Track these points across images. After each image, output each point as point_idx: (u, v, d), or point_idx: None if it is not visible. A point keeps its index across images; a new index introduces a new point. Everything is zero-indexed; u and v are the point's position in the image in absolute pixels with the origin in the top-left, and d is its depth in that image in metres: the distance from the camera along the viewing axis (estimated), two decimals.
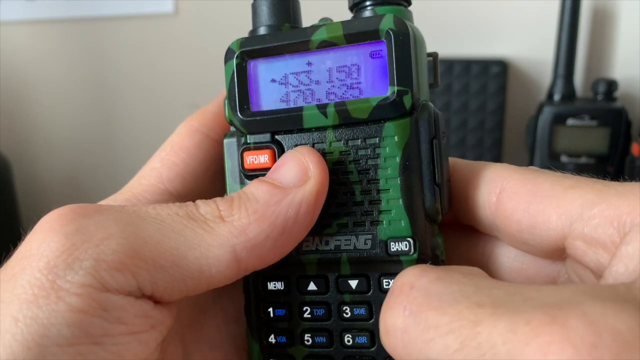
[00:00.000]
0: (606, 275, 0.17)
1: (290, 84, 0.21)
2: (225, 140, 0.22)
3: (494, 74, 0.69)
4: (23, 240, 0.19)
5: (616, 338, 0.13)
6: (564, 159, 0.66)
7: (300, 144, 0.21)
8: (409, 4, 0.22)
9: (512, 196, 0.20)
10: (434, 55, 0.22)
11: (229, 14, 0.81)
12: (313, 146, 0.21)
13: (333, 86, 0.21)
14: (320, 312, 0.22)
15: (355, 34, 0.20)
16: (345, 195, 0.21)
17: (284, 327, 0.22)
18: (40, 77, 0.90)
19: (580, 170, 0.65)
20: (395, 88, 0.20)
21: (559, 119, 0.65)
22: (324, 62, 0.21)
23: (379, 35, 0.20)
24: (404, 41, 0.20)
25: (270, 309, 0.22)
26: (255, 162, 0.21)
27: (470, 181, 0.21)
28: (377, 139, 0.20)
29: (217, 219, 0.19)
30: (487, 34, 0.73)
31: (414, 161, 0.20)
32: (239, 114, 0.21)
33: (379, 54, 0.20)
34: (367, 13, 0.21)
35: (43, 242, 0.18)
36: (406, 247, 0.20)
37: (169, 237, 0.19)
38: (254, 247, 0.19)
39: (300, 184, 0.20)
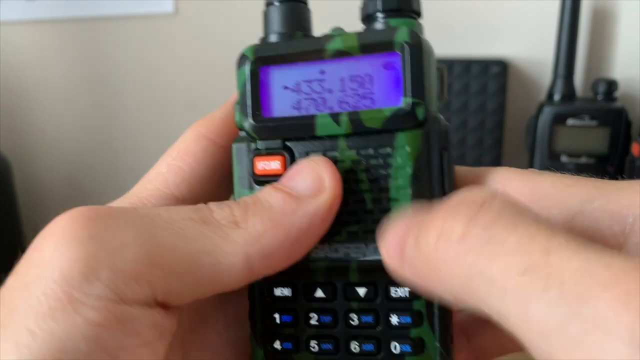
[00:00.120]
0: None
1: (303, 92, 0.21)
2: (234, 145, 0.22)
3: (494, 74, 0.69)
4: (31, 243, 0.18)
5: None
6: (564, 159, 0.66)
7: (312, 151, 0.21)
8: (420, 16, 0.22)
9: (514, 196, 0.20)
10: (441, 67, 0.22)
11: (229, 14, 0.81)
12: (324, 154, 0.21)
13: (346, 95, 0.21)
14: (327, 319, 0.22)
15: (370, 45, 0.21)
16: (355, 203, 0.21)
17: (290, 334, 0.22)
18: (40, 77, 0.90)
19: (580, 170, 0.65)
20: (410, 100, 0.20)
21: (559, 119, 0.65)
22: (337, 71, 0.21)
23: (394, 47, 0.20)
24: (419, 54, 0.20)
25: (277, 315, 0.22)
26: (267, 168, 0.21)
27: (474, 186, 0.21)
28: (389, 148, 0.21)
29: (231, 224, 0.19)
30: (487, 34, 0.73)
31: (425, 172, 0.20)
32: (251, 120, 0.22)
33: (392, 65, 0.21)
34: (379, 25, 0.22)
35: (56, 250, 0.17)
36: None
37: (184, 243, 0.18)
38: (267, 255, 0.19)
39: (314, 194, 0.20)
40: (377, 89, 0.21)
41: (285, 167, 0.21)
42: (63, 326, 0.16)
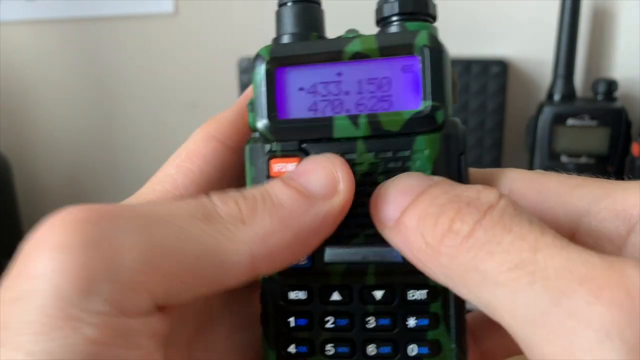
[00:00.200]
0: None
1: (319, 93, 0.21)
2: (248, 146, 0.22)
3: (494, 74, 0.69)
4: (22, 247, 0.17)
5: None
6: (564, 159, 0.66)
7: None
8: (435, 20, 0.22)
9: (520, 197, 0.20)
10: (454, 72, 0.22)
11: (229, 14, 0.81)
12: (342, 156, 0.21)
13: (363, 97, 0.21)
14: (344, 322, 0.22)
15: (389, 47, 0.21)
16: None
17: (305, 337, 0.22)
18: (40, 77, 0.90)
19: (580, 170, 0.65)
20: (430, 103, 0.20)
21: (559, 119, 0.65)
22: (355, 74, 0.21)
23: (413, 51, 0.20)
24: (439, 58, 0.20)
25: (292, 319, 0.22)
26: (283, 170, 0.21)
27: None
28: (408, 152, 0.20)
29: (237, 221, 0.18)
30: (487, 34, 0.73)
31: (443, 175, 0.20)
32: (266, 121, 0.21)
33: (411, 68, 0.21)
34: (394, 28, 0.22)
35: (49, 260, 0.16)
36: None
37: (186, 244, 0.17)
38: (272, 255, 0.19)
39: (327, 196, 0.19)
40: (395, 92, 0.21)
41: None
42: (60, 345, 0.15)
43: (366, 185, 0.21)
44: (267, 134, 0.21)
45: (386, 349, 0.21)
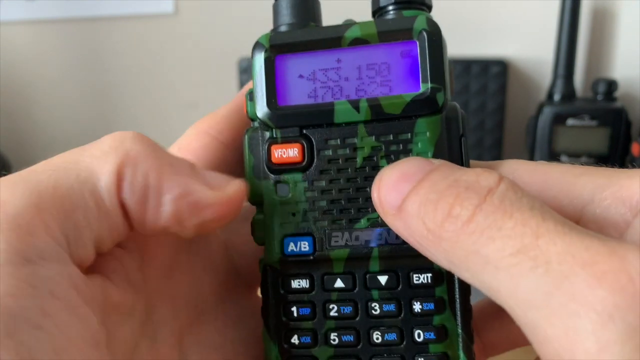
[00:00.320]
0: None
1: (319, 80, 0.21)
2: (246, 135, 0.22)
3: (494, 74, 0.69)
4: None
5: None
6: (564, 159, 0.66)
7: (330, 139, 0.21)
8: (430, 10, 0.22)
9: (523, 187, 0.20)
10: (450, 61, 0.22)
11: (229, 14, 0.81)
12: (344, 141, 0.21)
13: (362, 83, 0.21)
14: (348, 309, 0.21)
15: (388, 32, 0.21)
16: None
17: (308, 327, 0.22)
18: (40, 77, 0.90)
19: None
20: (429, 85, 0.20)
21: (559, 119, 0.65)
22: (354, 59, 0.21)
23: (412, 35, 0.21)
24: (437, 41, 0.20)
25: (294, 308, 0.22)
26: (284, 156, 0.21)
27: None
28: (409, 134, 0.21)
29: (103, 147, 0.19)
30: (487, 34, 0.73)
31: (444, 158, 0.20)
32: (266, 108, 0.21)
33: (409, 53, 0.21)
34: (391, 17, 0.22)
35: None
36: None
37: (62, 180, 0.18)
38: (139, 184, 0.19)
39: (215, 187, 0.20)
40: (394, 77, 0.21)
41: (304, 154, 0.21)
42: None
43: (369, 169, 0.21)
44: (268, 121, 0.21)
45: (392, 336, 0.21)
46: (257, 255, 0.23)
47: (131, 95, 0.88)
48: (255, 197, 0.22)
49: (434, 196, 0.17)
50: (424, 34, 0.20)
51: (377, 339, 0.21)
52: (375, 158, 0.21)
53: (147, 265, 0.21)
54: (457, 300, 0.21)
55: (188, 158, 0.22)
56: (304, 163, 0.21)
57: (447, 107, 0.21)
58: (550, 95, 0.68)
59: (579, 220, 0.19)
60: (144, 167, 0.19)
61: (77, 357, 0.16)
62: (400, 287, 0.21)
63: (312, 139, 0.21)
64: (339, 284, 0.21)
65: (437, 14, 0.22)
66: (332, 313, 0.21)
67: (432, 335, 0.21)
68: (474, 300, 0.21)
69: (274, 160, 0.21)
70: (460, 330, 0.21)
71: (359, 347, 0.21)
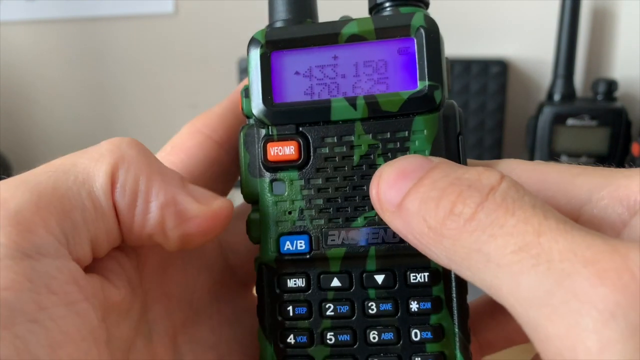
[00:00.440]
0: None
1: (315, 77, 0.21)
2: (242, 133, 0.22)
3: (494, 74, 0.69)
4: None
5: None
6: (564, 159, 0.66)
7: (327, 137, 0.21)
8: (427, 6, 0.22)
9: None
10: (447, 58, 0.22)
11: (229, 14, 0.81)
12: (340, 138, 0.21)
13: (359, 80, 0.21)
14: (344, 309, 0.21)
15: (386, 29, 0.21)
16: None
17: (304, 327, 0.22)
18: (40, 77, 0.90)
19: None
20: (427, 83, 0.20)
21: (559, 119, 0.65)
22: (351, 56, 0.21)
23: (410, 32, 0.20)
24: (435, 38, 0.20)
25: (290, 307, 0.22)
26: (280, 154, 0.21)
27: None
28: (407, 132, 0.21)
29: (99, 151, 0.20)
30: (487, 34, 0.73)
31: (442, 156, 0.20)
32: (262, 105, 0.21)
33: (407, 50, 0.21)
34: (387, 14, 0.22)
35: None
36: None
37: (61, 181, 0.18)
38: (131, 180, 0.19)
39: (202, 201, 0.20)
40: (391, 74, 0.21)
41: (300, 152, 0.21)
42: None
43: (366, 167, 0.21)
44: (263, 118, 0.21)
45: (388, 335, 0.21)
46: (252, 254, 0.23)
47: (131, 95, 0.88)
48: (251, 195, 0.22)
49: (435, 194, 0.17)
50: (422, 31, 0.20)
51: (374, 338, 0.21)
52: (372, 156, 0.21)
53: (143, 265, 0.21)
54: (454, 299, 0.21)
55: (181, 156, 0.23)
56: (300, 161, 0.21)
57: (444, 105, 0.21)
58: (550, 95, 0.68)
59: (576, 220, 0.19)
60: (136, 171, 0.19)
61: (73, 352, 0.16)
62: (397, 286, 0.21)
63: (309, 137, 0.21)
64: (335, 283, 0.21)
65: (437, 14, 0.22)
66: (329, 312, 0.21)
67: (429, 335, 0.21)
68: (469, 299, 0.21)
69: (269, 158, 0.21)
70: (457, 330, 0.21)
71: (355, 346, 0.21)
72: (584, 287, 0.14)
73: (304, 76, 0.21)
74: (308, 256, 0.21)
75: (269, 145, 0.21)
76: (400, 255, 0.21)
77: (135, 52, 0.86)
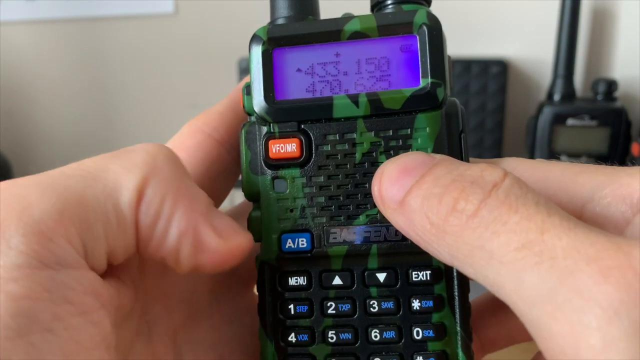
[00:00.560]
0: None
1: (317, 74, 0.21)
2: (243, 130, 0.22)
3: (494, 74, 0.69)
4: None
5: None
6: (563, 159, 0.66)
7: (329, 134, 0.21)
8: (429, 4, 0.22)
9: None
10: (449, 55, 0.22)
11: (229, 14, 0.81)
12: (343, 136, 0.21)
13: (361, 77, 0.21)
14: (346, 307, 0.21)
15: (388, 26, 0.20)
16: None
17: (305, 325, 0.21)
18: (40, 77, 0.90)
19: None
20: (429, 80, 0.20)
21: (559, 119, 0.65)
22: (353, 54, 0.21)
23: (412, 29, 0.20)
24: (438, 35, 0.20)
25: (291, 306, 0.21)
26: (282, 151, 0.21)
27: None
28: (409, 130, 0.20)
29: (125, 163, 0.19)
30: (487, 34, 0.73)
31: (444, 153, 0.20)
32: (264, 102, 0.21)
33: (409, 48, 0.20)
34: (390, 11, 0.21)
35: None
36: None
37: (90, 188, 0.18)
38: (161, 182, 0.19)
39: (226, 236, 0.20)
40: (394, 72, 0.21)
41: (302, 150, 0.21)
42: None
43: (368, 165, 0.21)
44: (265, 116, 0.21)
45: (390, 334, 0.21)
46: (253, 253, 0.22)
47: (131, 95, 0.88)
48: (252, 193, 0.22)
49: (437, 190, 0.17)
50: (425, 28, 0.20)
51: (376, 336, 0.21)
52: (374, 154, 0.21)
53: (144, 265, 0.21)
54: (456, 297, 0.21)
55: (182, 156, 0.22)
56: (302, 158, 0.21)
57: (447, 102, 0.21)
58: (550, 95, 0.68)
59: (579, 218, 0.19)
60: (164, 191, 0.18)
61: None
62: (398, 284, 0.21)
63: (311, 134, 0.21)
64: (337, 281, 0.21)
65: (437, 14, 0.22)
66: (330, 311, 0.21)
67: (430, 333, 0.21)
68: (471, 297, 0.21)
69: (271, 155, 0.21)
70: (459, 328, 0.21)
71: (357, 345, 0.21)
72: (588, 284, 0.13)
73: (306, 73, 0.21)
74: (310, 254, 0.21)
75: (270, 142, 0.21)
76: (402, 253, 0.21)
77: (136, 52, 0.86)
